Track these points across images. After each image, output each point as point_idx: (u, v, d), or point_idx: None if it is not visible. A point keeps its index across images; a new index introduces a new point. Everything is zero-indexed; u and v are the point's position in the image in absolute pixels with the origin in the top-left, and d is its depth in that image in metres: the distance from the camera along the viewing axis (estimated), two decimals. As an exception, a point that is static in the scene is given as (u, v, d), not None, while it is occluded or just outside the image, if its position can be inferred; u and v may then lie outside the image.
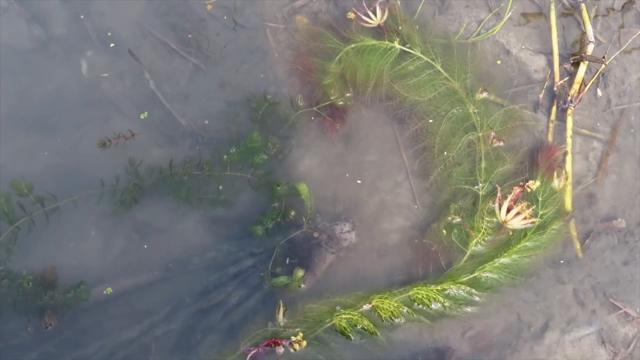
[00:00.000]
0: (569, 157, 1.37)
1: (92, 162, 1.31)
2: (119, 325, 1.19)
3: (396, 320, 1.20)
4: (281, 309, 1.18)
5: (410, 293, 1.21)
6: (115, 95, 1.39)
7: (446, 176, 1.34)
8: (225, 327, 1.21)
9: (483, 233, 1.28)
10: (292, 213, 1.28)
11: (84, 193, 1.27)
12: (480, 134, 1.36)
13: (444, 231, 1.29)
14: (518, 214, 1.25)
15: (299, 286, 1.23)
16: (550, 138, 1.40)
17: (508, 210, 1.25)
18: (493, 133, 1.36)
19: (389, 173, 1.36)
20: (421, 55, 1.42)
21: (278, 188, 1.29)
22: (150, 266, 1.25)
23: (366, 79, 1.40)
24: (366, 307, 1.18)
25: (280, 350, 1.14)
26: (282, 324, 1.17)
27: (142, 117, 1.35)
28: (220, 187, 1.30)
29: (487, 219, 1.29)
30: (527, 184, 1.29)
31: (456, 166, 1.34)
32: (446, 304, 1.21)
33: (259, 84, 1.41)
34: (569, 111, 1.41)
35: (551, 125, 1.41)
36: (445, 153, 1.35)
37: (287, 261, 1.25)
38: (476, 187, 1.32)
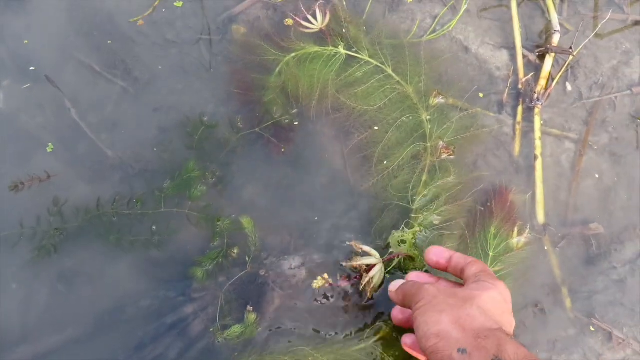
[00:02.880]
0: (539, 162, 1.21)
1: (12, 204, 1.15)
2: (45, 391, 1.03)
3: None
4: None
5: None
6: (35, 128, 1.22)
7: (381, 189, 1.18)
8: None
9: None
10: (235, 251, 1.11)
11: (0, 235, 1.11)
12: (429, 144, 1.19)
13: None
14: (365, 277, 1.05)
15: (254, 331, 1.07)
16: (517, 142, 1.24)
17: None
18: (442, 143, 1.20)
19: (340, 194, 1.20)
20: (369, 60, 1.25)
21: (218, 223, 1.14)
22: (78, 320, 1.08)
23: (310, 92, 1.24)
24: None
25: None
26: None
27: (48, 150, 1.19)
28: (154, 227, 1.14)
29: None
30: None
31: (393, 179, 1.18)
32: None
33: (194, 106, 1.24)
34: (536, 110, 1.25)
35: (518, 127, 1.25)
36: (385, 163, 1.19)
37: (235, 306, 1.09)
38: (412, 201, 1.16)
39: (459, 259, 0.95)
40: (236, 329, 1.05)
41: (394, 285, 0.98)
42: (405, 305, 0.93)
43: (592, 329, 1.11)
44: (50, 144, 1.19)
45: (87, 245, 1.13)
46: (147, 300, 1.10)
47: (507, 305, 0.88)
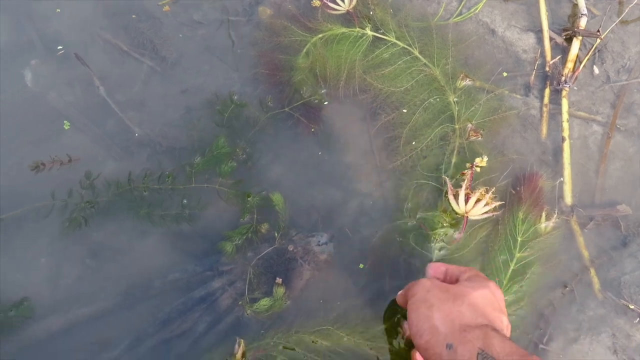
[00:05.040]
0: (566, 144, 1.24)
1: (41, 181, 1.18)
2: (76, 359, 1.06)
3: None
4: (240, 349, 1.02)
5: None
6: (64, 106, 1.25)
7: (410, 168, 1.20)
8: (194, 357, 1.07)
9: (445, 233, 1.14)
10: (265, 226, 1.14)
11: (31, 207, 1.14)
12: (457, 126, 1.22)
13: (398, 239, 1.15)
14: (478, 200, 1.10)
15: (283, 305, 1.09)
16: (544, 124, 1.26)
17: (466, 200, 1.11)
18: (470, 125, 1.22)
19: (367, 174, 1.22)
20: (396, 41, 1.28)
21: (249, 199, 1.16)
22: (106, 293, 1.11)
23: (337, 72, 1.27)
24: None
25: None
26: None
27: (65, 127, 1.22)
28: (185, 201, 1.17)
29: (446, 218, 1.15)
30: (474, 163, 1.15)
31: (422, 159, 1.20)
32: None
33: (221, 86, 1.28)
34: (564, 92, 1.27)
35: (545, 109, 1.27)
36: (413, 143, 1.22)
37: (264, 280, 1.11)
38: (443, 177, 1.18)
39: (453, 270, 0.96)
40: (265, 302, 1.07)
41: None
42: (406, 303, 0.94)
43: (631, 307, 1.12)
44: (66, 121, 1.22)
45: (117, 219, 1.16)
46: (176, 274, 1.13)
47: (498, 304, 0.88)
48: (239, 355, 1.02)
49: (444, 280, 0.95)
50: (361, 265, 1.13)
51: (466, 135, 1.20)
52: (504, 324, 0.86)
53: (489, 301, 0.86)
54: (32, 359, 1.07)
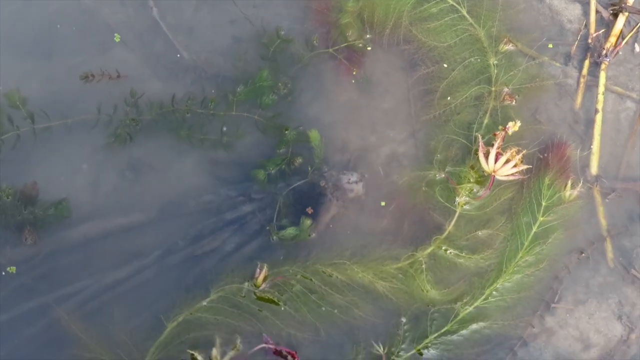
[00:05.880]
0: (599, 116, 1.27)
1: (89, 91, 1.23)
2: (107, 264, 1.13)
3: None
4: (262, 273, 1.08)
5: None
6: (116, 22, 1.29)
7: (443, 122, 1.25)
8: (220, 274, 1.14)
9: (470, 189, 1.19)
10: (299, 160, 1.19)
11: (78, 118, 1.19)
12: (493, 89, 1.26)
13: (424, 188, 1.20)
14: (508, 161, 1.13)
15: (308, 236, 1.15)
16: (580, 95, 1.29)
17: (496, 159, 1.14)
18: (506, 89, 1.26)
19: (402, 122, 1.27)
20: (446, -2, 1.31)
21: (286, 132, 1.21)
22: (142, 206, 1.17)
23: (385, 20, 1.30)
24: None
25: None
26: (260, 287, 1.09)
27: (115, 39, 1.26)
28: (224, 128, 1.22)
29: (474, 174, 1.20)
30: (507, 126, 1.17)
31: (456, 115, 1.24)
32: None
33: (269, 20, 1.31)
34: (603, 66, 1.30)
35: (582, 80, 1.30)
36: (448, 99, 1.26)
37: (292, 211, 1.17)
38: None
39: None
40: (291, 230, 1.13)
41: None
42: None
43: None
44: (116, 34, 1.26)
45: (158, 138, 1.21)
46: (209, 196, 1.19)
47: None
48: (260, 279, 1.08)
49: None
50: (383, 203, 1.18)
51: (501, 99, 1.23)
52: None
53: None
54: (70, 258, 1.13)
